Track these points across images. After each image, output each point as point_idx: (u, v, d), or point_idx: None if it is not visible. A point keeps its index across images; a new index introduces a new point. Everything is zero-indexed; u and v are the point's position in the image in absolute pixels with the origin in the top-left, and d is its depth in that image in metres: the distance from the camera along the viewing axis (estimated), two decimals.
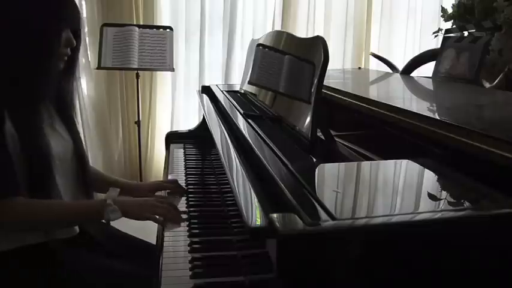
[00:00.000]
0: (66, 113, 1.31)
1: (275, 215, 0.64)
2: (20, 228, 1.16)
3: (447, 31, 2.29)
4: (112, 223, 1.30)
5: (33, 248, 1.16)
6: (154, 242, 1.28)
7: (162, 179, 1.68)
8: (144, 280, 1.15)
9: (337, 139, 1.22)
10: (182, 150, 1.97)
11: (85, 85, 3.34)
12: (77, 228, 1.26)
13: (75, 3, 1.23)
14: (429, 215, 0.68)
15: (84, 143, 1.42)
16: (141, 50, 3.02)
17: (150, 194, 1.44)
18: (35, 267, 1.15)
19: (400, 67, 2.51)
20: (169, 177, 1.66)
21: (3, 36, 1.13)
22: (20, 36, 1.13)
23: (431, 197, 0.76)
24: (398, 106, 1.08)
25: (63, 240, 1.21)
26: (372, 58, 3.47)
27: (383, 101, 1.15)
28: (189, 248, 1.15)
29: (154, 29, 3.09)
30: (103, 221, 1.18)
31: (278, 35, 1.54)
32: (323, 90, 1.15)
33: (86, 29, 3.31)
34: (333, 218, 0.64)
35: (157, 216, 1.19)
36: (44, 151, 1.15)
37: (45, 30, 1.15)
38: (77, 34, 1.24)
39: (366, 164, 0.96)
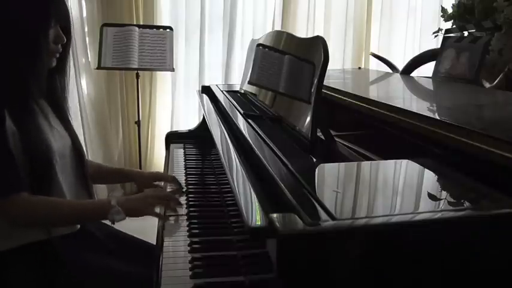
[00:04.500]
0: (61, 109, 1.31)
1: (275, 215, 0.64)
2: (24, 224, 1.17)
3: (447, 31, 2.29)
4: None
5: (34, 247, 1.17)
6: (154, 242, 1.28)
7: (162, 171, 1.72)
8: (144, 280, 1.16)
9: (337, 139, 1.21)
10: (182, 150, 1.97)
11: (85, 85, 3.34)
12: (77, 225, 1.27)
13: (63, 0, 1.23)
14: (429, 215, 0.68)
15: (84, 141, 1.45)
16: (141, 50, 3.02)
17: (151, 183, 1.53)
18: (35, 267, 1.15)
19: (400, 67, 2.51)
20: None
21: None
22: (7, 35, 1.13)
23: (431, 197, 0.76)
24: (399, 106, 1.08)
25: (64, 238, 1.21)
26: (372, 58, 3.47)
27: (383, 101, 1.15)
28: (189, 248, 1.15)
29: (154, 29, 3.09)
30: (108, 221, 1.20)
31: (278, 35, 1.54)
32: (323, 90, 1.15)
33: (86, 29, 3.31)
34: (333, 218, 0.64)
35: (158, 211, 1.24)
36: (44, 148, 1.16)
37: (31, 28, 1.15)
38: (67, 30, 1.24)
39: (366, 164, 0.96)
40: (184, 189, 1.50)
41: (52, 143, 1.20)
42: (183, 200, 1.44)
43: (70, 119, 1.35)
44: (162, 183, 1.55)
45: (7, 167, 1.10)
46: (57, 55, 1.23)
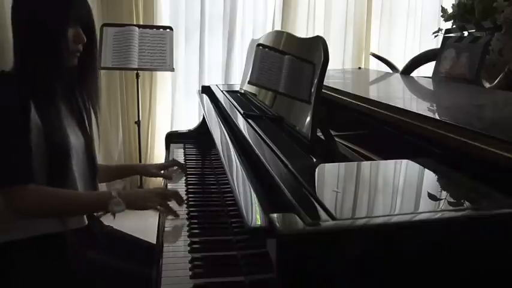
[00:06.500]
0: (80, 110, 1.35)
1: (275, 215, 0.64)
2: (29, 214, 1.18)
3: (447, 31, 2.28)
4: (113, 223, 1.31)
5: (37, 241, 1.18)
6: (154, 241, 1.28)
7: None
8: (144, 280, 1.16)
9: (337, 139, 1.21)
10: (182, 150, 1.97)
11: None
12: (85, 219, 1.28)
13: (84, 1, 1.27)
14: (429, 215, 0.68)
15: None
16: (141, 50, 3.02)
17: (158, 172, 1.64)
18: (37, 261, 1.17)
19: (400, 67, 2.51)
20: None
21: (15, 34, 1.20)
22: (31, 34, 1.19)
23: (431, 197, 0.76)
24: (398, 106, 1.08)
25: (65, 236, 1.22)
26: (372, 58, 3.47)
27: (383, 101, 1.15)
28: (189, 248, 1.15)
29: (154, 29, 3.09)
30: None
31: (278, 35, 1.54)
32: (323, 90, 1.15)
33: None
34: (333, 218, 0.64)
35: (159, 207, 1.25)
36: (64, 142, 1.20)
37: (50, 28, 1.19)
38: (90, 30, 1.28)
39: (366, 164, 0.96)
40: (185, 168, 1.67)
41: (70, 138, 1.23)
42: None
43: (88, 121, 1.37)
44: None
45: (20, 157, 1.12)
46: (78, 54, 1.26)
